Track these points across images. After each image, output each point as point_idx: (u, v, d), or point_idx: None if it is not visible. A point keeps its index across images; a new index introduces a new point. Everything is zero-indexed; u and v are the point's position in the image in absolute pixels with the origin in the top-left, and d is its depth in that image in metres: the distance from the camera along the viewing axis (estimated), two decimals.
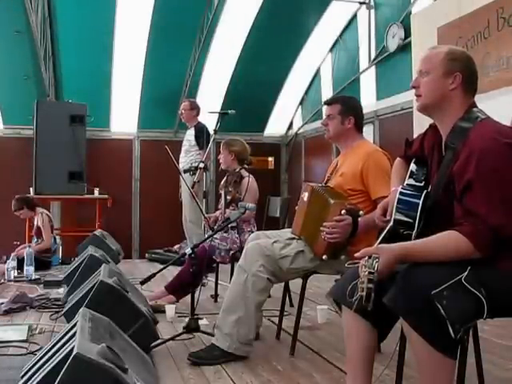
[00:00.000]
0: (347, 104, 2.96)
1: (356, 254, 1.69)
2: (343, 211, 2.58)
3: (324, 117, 3.03)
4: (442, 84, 1.83)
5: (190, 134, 5.90)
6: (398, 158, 2.18)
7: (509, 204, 1.65)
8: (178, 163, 5.74)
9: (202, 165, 4.74)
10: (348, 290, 1.77)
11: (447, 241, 1.68)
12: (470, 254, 1.65)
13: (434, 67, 1.84)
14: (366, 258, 1.64)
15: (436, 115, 1.90)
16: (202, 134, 5.72)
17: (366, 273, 1.58)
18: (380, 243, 1.79)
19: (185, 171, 5.49)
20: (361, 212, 2.63)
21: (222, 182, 4.36)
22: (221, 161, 4.36)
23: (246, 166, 4.28)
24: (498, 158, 1.66)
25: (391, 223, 1.87)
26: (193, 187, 4.32)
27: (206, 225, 4.31)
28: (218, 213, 4.36)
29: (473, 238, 1.64)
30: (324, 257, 2.67)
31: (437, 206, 1.82)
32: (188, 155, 5.86)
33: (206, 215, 4.29)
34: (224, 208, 4.16)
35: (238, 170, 4.24)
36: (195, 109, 5.91)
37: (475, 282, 1.61)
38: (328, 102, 3.02)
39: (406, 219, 1.84)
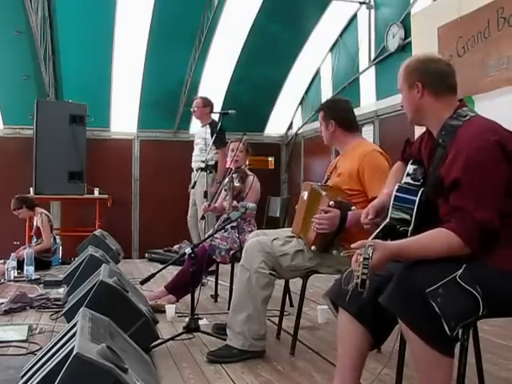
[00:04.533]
0: (327, 109, 3.03)
1: (352, 245, 1.70)
2: (331, 203, 2.64)
3: None
4: (411, 98, 1.93)
5: (206, 132, 5.67)
6: (398, 162, 2.21)
7: (496, 200, 1.68)
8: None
9: (202, 165, 4.77)
10: (343, 277, 1.79)
11: (437, 239, 1.69)
12: (459, 251, 1.67)
13: (402, 85, 1.96)
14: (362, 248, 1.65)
15: (423, 124, 1.98)
16: (221, 134, 5.57)
17: (361, 259, 1.59)
18: (375, 238, 1.80)
19: (202, 169, 5.40)
20: (353, 207, 2.67)
21: (226, 180, 4.34)
22: (237, 158, 4.27)
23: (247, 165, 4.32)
24: (485, 156, 1.68)
25: (387, 220, 1.89)
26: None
27: (205, 209, 4.35)
28: (225, 203, 4.31)
29: (462, 235, 1.66)
30: (313, 247, 2.71)
31: (429, 203, 1.84)
32: (203, 153, 5.64)
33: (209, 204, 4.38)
34: (231, 199, 4.15)
35: (243, 167, 4.27)
36: (208, 106, 5.76)
37: (470, 279, 1.62)
38: (317, 111, 3.09)
39: (402, 216, 1.86)
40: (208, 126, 5.69)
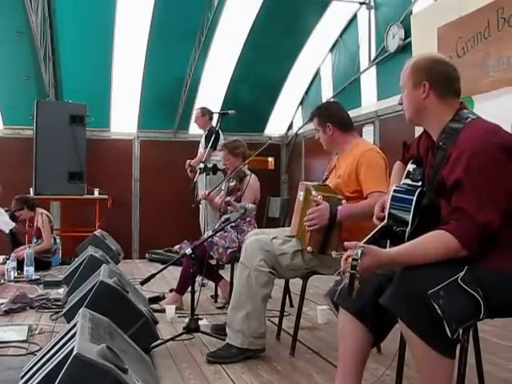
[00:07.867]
0: (321, 113, 3.03)
1: (346, 243, 1.69)
2: (319, 197, 2.64)
3: None
4: (414, 96, 1.88)
5: (203, 137, 6.29)
6: (398, 162, 2.20)
7: (497, 202, 1.66)
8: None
9: (201, 165, 4.78)
10: (335, 280, 1.79)
11: (434, 242, 1.67)
12: (457, 253, 1.66)
13: (406, 82, 1.91)
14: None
15: (422, 124, 1.95)
16: (209, 137, 5.84)
17: (350, 260, 1.58)
18: (369, 239, 1.80)
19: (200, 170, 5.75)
20: (343, 201, 2.68)
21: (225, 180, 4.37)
22: (226, 166, 4.37)
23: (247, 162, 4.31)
24: (487, 158, 1.67)
25: (385, 221, 1.88)
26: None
27: (204, 196, 4.43)
28: (217, 197, 4.42)
29: (460, 237, 1.65)
30: (309, 248, 2.67)
31: (430, 205, 1.83)
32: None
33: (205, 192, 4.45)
34: (225, 195, 4.17)
35: (241, 167, 4.27)
36: (206, 114, 6.30)
37: (472, 281, 1.62)
38: (309, 119, 3.06)
39: (399, 215, 1.85)
40: (207, 131, 6.17)
